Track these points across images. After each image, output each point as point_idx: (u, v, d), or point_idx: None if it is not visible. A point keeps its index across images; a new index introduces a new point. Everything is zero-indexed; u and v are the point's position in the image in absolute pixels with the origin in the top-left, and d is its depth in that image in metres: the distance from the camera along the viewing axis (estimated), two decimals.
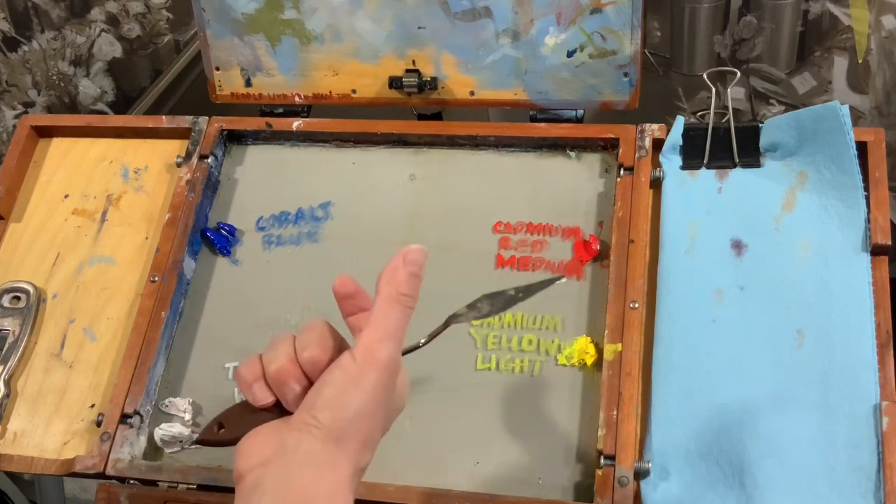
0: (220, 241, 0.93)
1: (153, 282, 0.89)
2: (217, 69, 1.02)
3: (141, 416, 0.83)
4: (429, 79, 0.97)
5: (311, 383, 0.56)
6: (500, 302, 0.60)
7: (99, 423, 0.82)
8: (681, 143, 0.88)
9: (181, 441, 0.83)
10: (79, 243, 0.95)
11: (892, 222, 0.80)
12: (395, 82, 0.98)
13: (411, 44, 0.97)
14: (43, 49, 1.53)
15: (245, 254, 0.93)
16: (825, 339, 0.76)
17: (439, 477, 0.78)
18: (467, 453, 0.79)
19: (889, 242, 0.79)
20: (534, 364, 0.83)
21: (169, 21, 1.52)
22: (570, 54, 0.94)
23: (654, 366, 0.78)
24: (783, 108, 1.36)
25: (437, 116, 1.01)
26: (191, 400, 0.85)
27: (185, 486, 0.79)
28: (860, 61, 1.29)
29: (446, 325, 0.60)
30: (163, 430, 0.83)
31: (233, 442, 0.57)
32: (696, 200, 0.85)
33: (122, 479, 0.81)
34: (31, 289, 0.92)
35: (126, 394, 0.83)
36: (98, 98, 1.58)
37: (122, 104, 1.58)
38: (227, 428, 0.58)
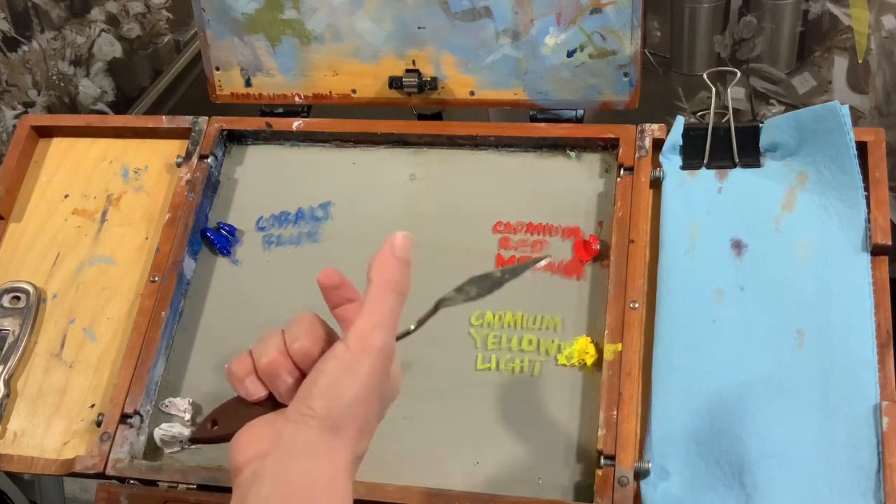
0: (220, 241, 0.93)
1: (153, 282, 0.89)
2: (217, 69, 1.02)
3: (141, 416, 0.83)
4: (429, 79, 0.97)
5: (302, 375, 0.56)
6: (487, 284, 0.60)
7: (99, 423, 0.82)
8: (681, 143, 0.88)
9: (181, 441, 0.83)
10: (79, 243, 0.95)
11: (892, 222, 0.80)
12: (395, 82, 0.98)
13: (411, 44, 0.97)
14: (43, 49, 1.53)
15: (245, 254, 0.93)
16: (825, 339, 0.76)
17: (439, 477, 0.78)
18: (467, 453, 0.79)
19: (889, 242, 0.79)
20: (534, 364, 0.83)
21: (169, 21, 1.52)
22: (570, 54, 0.94)
23: (654, 366, 0.78)
24: (783, 108, 1.36)
25: (437, 116, 1.01)
26: (191, 400, 0.85)
27: (185, 486, 0.79)
28: (860, 61, 1.29)
29: (435, 309, 0.60)
30: (163, 430, 0.83)
31: (227, 438, 0.57)
32: (696, 200, 0.85)
33: (122, 479, 0.81)
34: (31, 289, 0.92)
35: (126, 394, 0.83)
36: (98, 98, 1.58)
37: (122, 104, 1.58)
38: (221, 424, 0.58)
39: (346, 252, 0.91)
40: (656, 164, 0.88)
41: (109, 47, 1.53)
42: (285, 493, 0.52)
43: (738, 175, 0.86)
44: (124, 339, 0.87)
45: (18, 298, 0.92)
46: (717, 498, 0.73)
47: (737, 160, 0.86)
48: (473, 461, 0.79)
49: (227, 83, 1.02)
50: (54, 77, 1.55)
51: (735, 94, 1.33)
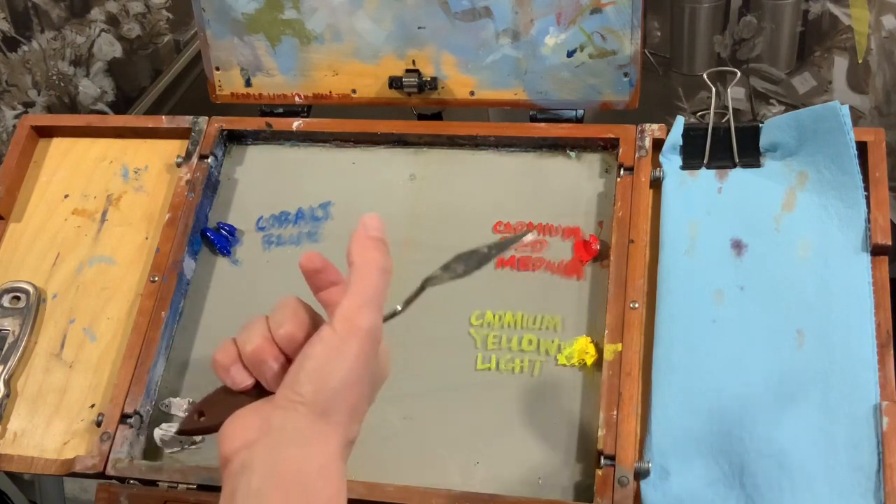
0: (220, 241, 0.93)
1: (153, 282, 0.89)
2: (217, 69, 1.02)
3: (141, 416, 0.83)
4: (429, 79, 0.97)
5: (288, 361, 0.55)
6: (474, 260, 0.59)
7: (99, 423, 0.82)
8: (681, 143, 0.88)
9: (181, 441, 0.83)
10: (79, 243, 0.95)
11: (892, 222, 0.80)
12: (395, 82, 0.98)
13: (411, 44, 0.97)
14: (43, 49, 1.53)
15: (245, 254, 0.93)
16: (825, 339, 0.76)
17: (439, 477, 0.78)
18: (467, 453, 0.79)
19: (889, 242, 0.79)
20: (534, 364, 0.82)
21: (169, 21, 1.52)
22: (570, 54, 0.94)
23: (654, 366, 0.78)
24: (783, 108, 1.36)
25: (437, 116, 1.01)
26: (191, 400, 0.85)
27: (185, 486, 0.79)
28: (860, 61, 1.29)
29: (422, 288, 0.59)
30: (163, 430, 0.83)
31: (215, 428, 0.56)
32: (696, 200, 0.85)
33: (122, 479, 0.81)
34: (31, 289, 0.92)
35: (126, 394, 0.83)
36: (98, 98, 1.58)
37: (122, 104, 1.58)
38: (208, 414, 0.57)
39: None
40: (656, 164, 0.88)
41: (109, 47, 1.53)
42: (277, 483, 0.51)
43: (738, 175, 0.86)
44: (124, 339, 0.87)
45: (18, 298, 0.92)
46: (717, 498, 0.73)
47: (737, 160, 0.86)
48: (473, 461, 0.79)
49: (227, 83, 1.02)
50: (54, 77, 1.55)
51: (735, 94, 1.33)
